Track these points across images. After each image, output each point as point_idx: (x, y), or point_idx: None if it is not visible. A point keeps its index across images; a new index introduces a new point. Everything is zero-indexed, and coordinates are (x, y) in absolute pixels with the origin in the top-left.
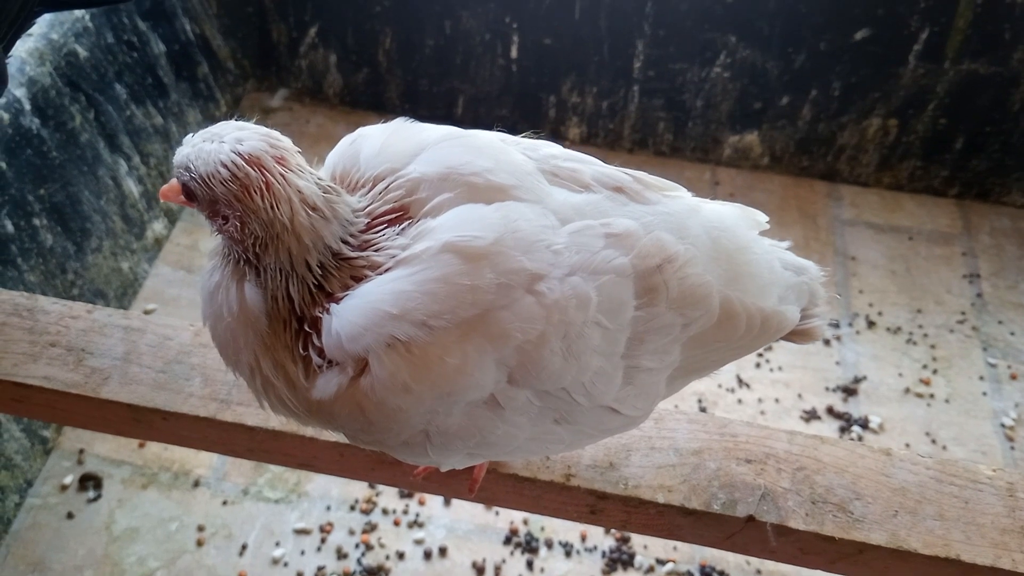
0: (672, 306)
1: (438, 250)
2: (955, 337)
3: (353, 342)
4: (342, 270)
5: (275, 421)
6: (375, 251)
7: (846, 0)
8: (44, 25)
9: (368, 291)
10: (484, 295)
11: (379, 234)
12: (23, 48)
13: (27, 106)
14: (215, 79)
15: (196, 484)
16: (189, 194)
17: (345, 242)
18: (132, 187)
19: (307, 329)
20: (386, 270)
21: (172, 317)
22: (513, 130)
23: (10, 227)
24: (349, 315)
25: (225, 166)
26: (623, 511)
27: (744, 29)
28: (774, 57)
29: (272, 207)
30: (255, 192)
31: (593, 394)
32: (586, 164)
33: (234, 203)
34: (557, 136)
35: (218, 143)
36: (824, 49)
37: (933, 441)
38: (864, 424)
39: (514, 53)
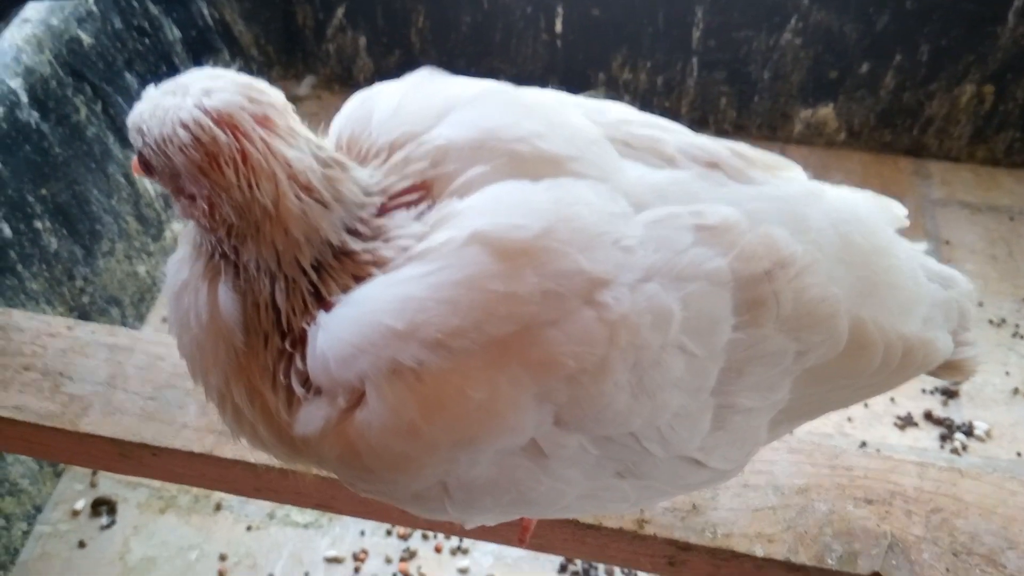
0: (784, 327)
1: (463, 242)
2: None
3: (344, 367)
4: (344, 268)
5: None
6: (384, 242)
7: None
8: (42, 10)
9: (366, 297)
10: (524, 306)
11: (391, 219)
12: (19, 35)
13: (24, 98)
14: (237, 67)
15: (218, 508)
16: (146, 165)
17: (353, 232)
18: (148, 184)
19: (289, 348)
20: (395, 268)
21: None
22: None
23: (7, 231)
24: (339, 330)
25: (185, 127)
26: (710, 564)
27: None
28: (852, 19)
29: (250, 185)
30: (226, 164)
31: (671, 441)
32: (670, 132)
33: (199, 178)
34: None
35: (180, 97)
36: (910, 8)
37: None
38: (968, 431)
39: (559, 27)
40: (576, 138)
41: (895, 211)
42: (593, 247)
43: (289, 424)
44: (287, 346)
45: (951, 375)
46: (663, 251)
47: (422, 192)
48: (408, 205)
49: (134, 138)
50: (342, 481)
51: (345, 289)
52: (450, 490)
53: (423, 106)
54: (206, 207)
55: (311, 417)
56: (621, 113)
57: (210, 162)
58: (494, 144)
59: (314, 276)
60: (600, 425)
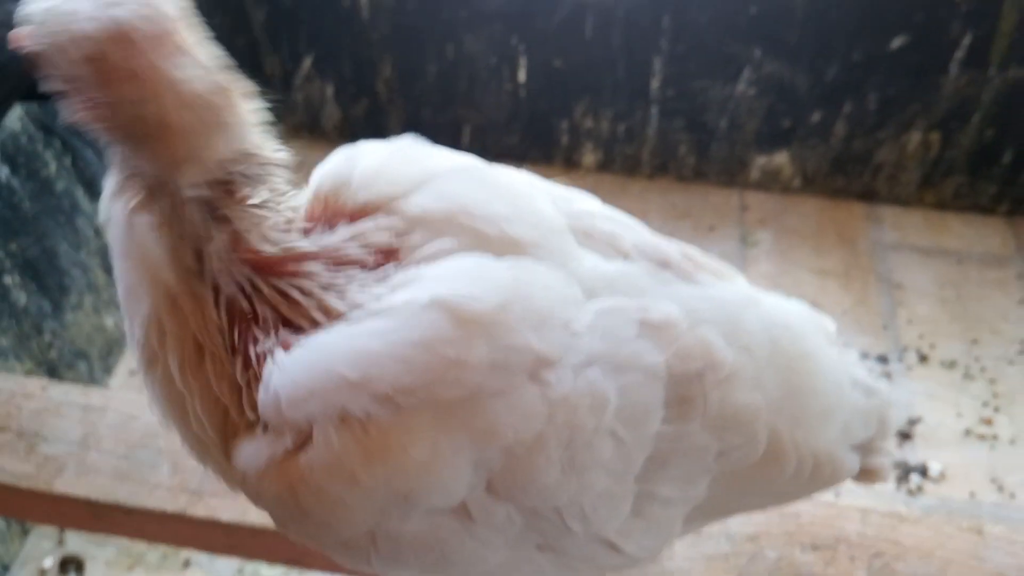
0: (708, 426)
1: (423, 305)
2: (1016, 370)
3: (294, 408)
4: (288, 304)
5: (254, 515)
6: (337, 296)
7: (880, 6)
8: None
9: (324, 344)
10: (473, 374)
11: (344, 276)
12: None
13: None
14: None
15: (186, 564)
16: (33, 54)
17: (256, 163)
18: None
19: (249, 381)
20: (354, 321)
21: None
22: (523, 159)
23: None
24: (294, 372)
25: (79, 32)
26: None
27: (770, 41)
28: (803, 70)
29: (131, 94)
30: (117, 79)
31: (592, 521)
32: (628, 228)
33: (91, 89)
34: (571, 164)
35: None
36: (858, 60)
37: (1000, 488)
38: (923, 472)
39: (522, 77)
40: (540, 225)
41: (825, 324)
42: (544, 327)
43: (236, 427)
44: (251, 370)
45: (862, 480)
46: (607, 340)
47: (385, 256)
48: (365, 267)
49: (29, 28)
50: (274, 522)
51: (286, 323)
52: (377, 541)
53: (403, 171)
54: (94, 111)
55: (255, 453)
56: (586, 205)
57: (97, 69)
58: (463, 220)
59: (205, 192)
60: (528, 496)
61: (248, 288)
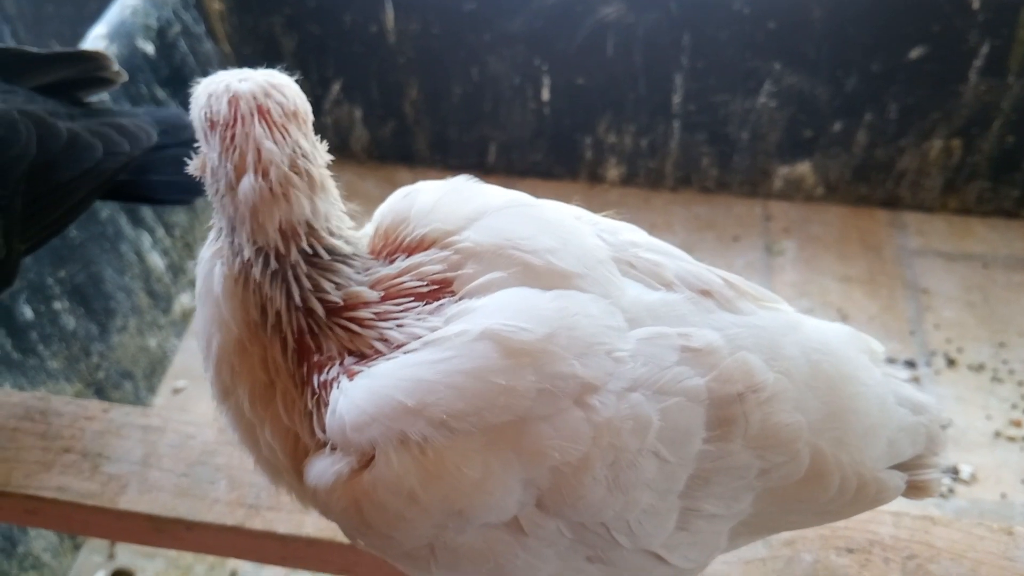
0: (750, 445)
1: (475, 336)
2: None
3: (358, 432)
4: (349, 332)
5: (309, 527)
6: (397, 326)
7: (898, 18)
8: None
9: (384, 372)
10: (521, 400)
11: (400, 306)
12: None
13: None
14: None
15: (233, 574)
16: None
17: (317, 244)
18: (157, 260)
19: (320, 399)
20: (411, 351)
21: (203, 395)
22: (548, 175)
23: (29, 313)
24: (358, 398)
25: (209, 95)
26: None
27: (789, 55)
28: (823, 82)
29: (226, 154)
30: (220, 133)
31: (638, 535)
32: (671, 258)
33: (202, 137)
34: (595, 179)
35: (233, 78)
36: (877, 70)
37: None
38: (955, 475)
39: (546, 95)
40: (585, 257)
41: (871, 345)
42: (588, 355)
43: (306, 448)
44: (312, 404)
45: (912, 495)
46: (650, 366)
47: (440, 286)
48: (421, 297)
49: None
50: (344, 533)
51: (343, 349)
52: (437, 553)
53: (457, 208)
54: (201, 164)
55: (323, 472)
56: (630, 235)
57: (210, 126)
58: (512, 253)
59: (250, 251)
60: (576, 512)
61: (314, 328)
